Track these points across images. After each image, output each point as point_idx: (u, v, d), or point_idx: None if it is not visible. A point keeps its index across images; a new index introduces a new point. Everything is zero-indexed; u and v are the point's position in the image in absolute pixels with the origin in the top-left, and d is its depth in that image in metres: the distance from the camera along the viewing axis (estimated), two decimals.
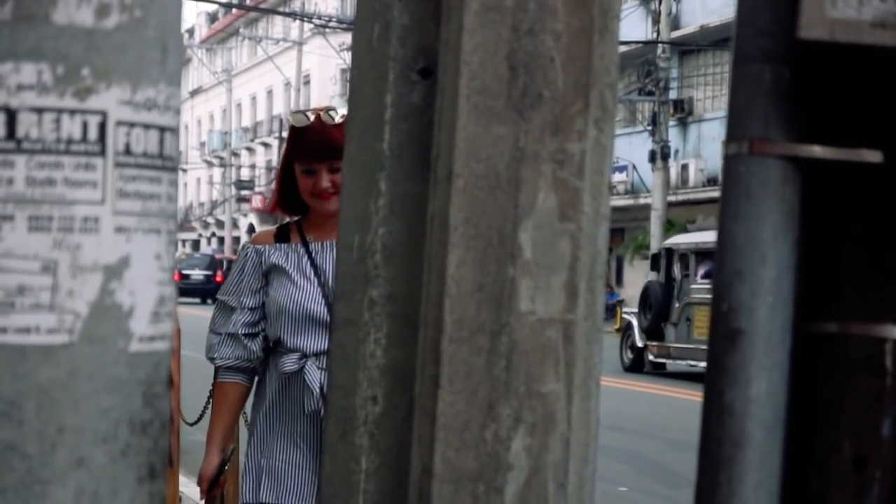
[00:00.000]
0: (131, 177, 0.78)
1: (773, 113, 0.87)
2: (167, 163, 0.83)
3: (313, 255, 1.79)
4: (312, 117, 1.81)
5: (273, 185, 1.88)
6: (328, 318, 1.60)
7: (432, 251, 1.01)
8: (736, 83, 0.90)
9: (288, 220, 2.04)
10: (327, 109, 1.81)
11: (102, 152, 0.78)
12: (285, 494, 1.75)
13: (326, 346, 1.61)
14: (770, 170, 0.87)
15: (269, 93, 57.53)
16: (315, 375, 1.76)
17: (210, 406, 1.74)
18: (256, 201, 49.91)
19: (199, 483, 1.88)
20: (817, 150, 0.86)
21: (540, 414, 0.96)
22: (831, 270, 0.88)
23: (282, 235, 1.94)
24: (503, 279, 0.98)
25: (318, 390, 1.72)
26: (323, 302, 1.77)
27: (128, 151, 0.78)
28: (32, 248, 0.76)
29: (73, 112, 0.77)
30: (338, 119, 1.76)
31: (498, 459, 0.96)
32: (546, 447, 0.96)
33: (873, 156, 0.84)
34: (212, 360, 1.90)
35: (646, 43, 21.92)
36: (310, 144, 1.79)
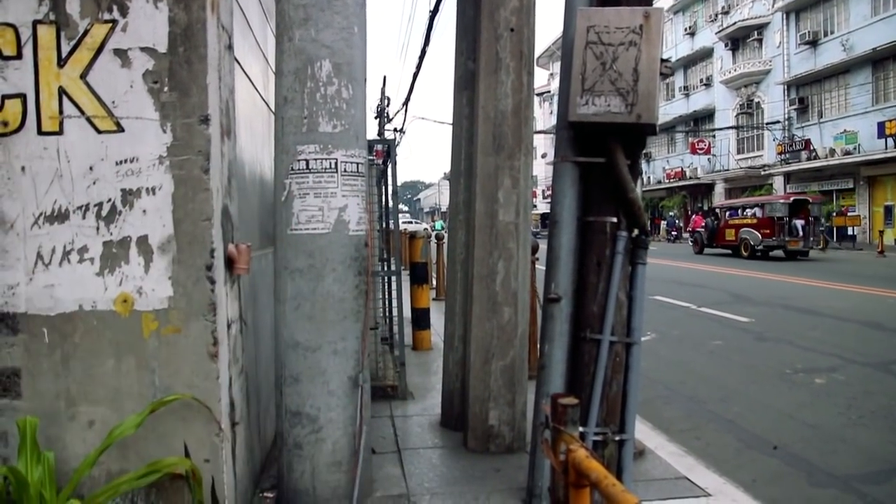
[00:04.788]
0: (346, 180, 2.41)
1: (568, 146, 2.44)
2: (360, 174, 2.46)
3: None
4: None
5: None
6: None
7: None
8: (557, 138, 2.47)
9: None
10: None
11: (337, 171, 2.39)
12: None
13: None
14: (567, 166, 2.44)
15: None
16: None
17: None
18: None
19: None
20: (581, 159, 2.42)
21: (507, 253, 2.59)
22: (588, 200, 2.43)
23: None
24: (493, 209, 2.65)
25: None
26: None
27: (346, 171, 2.40)
28: (316, 204, 2.38)
29: (326, 159, 2.39)
30: None
31: (495, 267, 2.65)
32: (510, 261, 2.58)
33: (600, 160, 2.40)
34: None
35: None
36: None
